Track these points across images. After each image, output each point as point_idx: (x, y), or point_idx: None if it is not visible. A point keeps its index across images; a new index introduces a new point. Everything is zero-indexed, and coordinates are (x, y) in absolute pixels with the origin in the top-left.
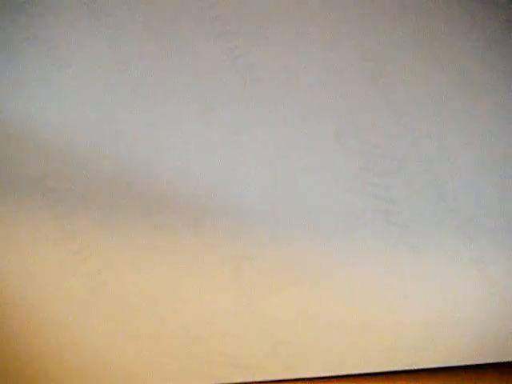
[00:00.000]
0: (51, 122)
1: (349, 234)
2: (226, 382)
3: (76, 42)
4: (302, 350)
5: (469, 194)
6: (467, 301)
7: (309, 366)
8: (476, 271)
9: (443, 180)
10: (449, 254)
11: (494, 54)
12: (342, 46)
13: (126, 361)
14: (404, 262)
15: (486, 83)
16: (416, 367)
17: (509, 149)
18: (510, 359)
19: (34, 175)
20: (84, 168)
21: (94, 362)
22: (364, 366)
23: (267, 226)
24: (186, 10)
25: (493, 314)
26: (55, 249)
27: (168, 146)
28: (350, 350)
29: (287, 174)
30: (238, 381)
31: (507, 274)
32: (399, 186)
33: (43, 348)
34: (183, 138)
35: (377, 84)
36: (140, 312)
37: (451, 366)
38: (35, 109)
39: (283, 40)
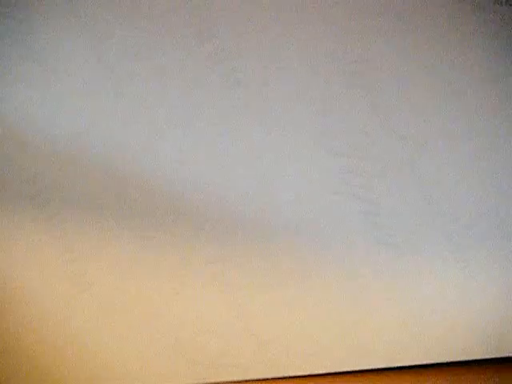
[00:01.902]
0: (39, 125)
1: (333, 235)
2: (213, 381)
3: (61, 46)
4: (287, 348)
5: (453, 195)
6: (450, 301)
7: (294, 364)
8: (459, 271)
9: (427, 182)
10: (432, 254)
11: (476, 56)
12: (326, 48)
13: (112, 360)
14: (387, 263)
15: (470, 84)
16: (400, 364)
17: (493, 150)
18: (493, 356)
19: (22, 177)
20: (72, 170)
21: (79, 361)
22: (348, 363)
23: (252, 227)
24: (173, 13)
25: (476, 313)
26: (43, 249)
27: (155, 149)
28: (335, 348)
29: (271, 176)
30: (225, 380)
31: (490, 274)
32: (383, 187)
33: (32, 346)
34: (169, 141)
35: (361, 86)
36: (125, 312)
37: (435, 364)
38: (23, 111)
39: (267, 43)
